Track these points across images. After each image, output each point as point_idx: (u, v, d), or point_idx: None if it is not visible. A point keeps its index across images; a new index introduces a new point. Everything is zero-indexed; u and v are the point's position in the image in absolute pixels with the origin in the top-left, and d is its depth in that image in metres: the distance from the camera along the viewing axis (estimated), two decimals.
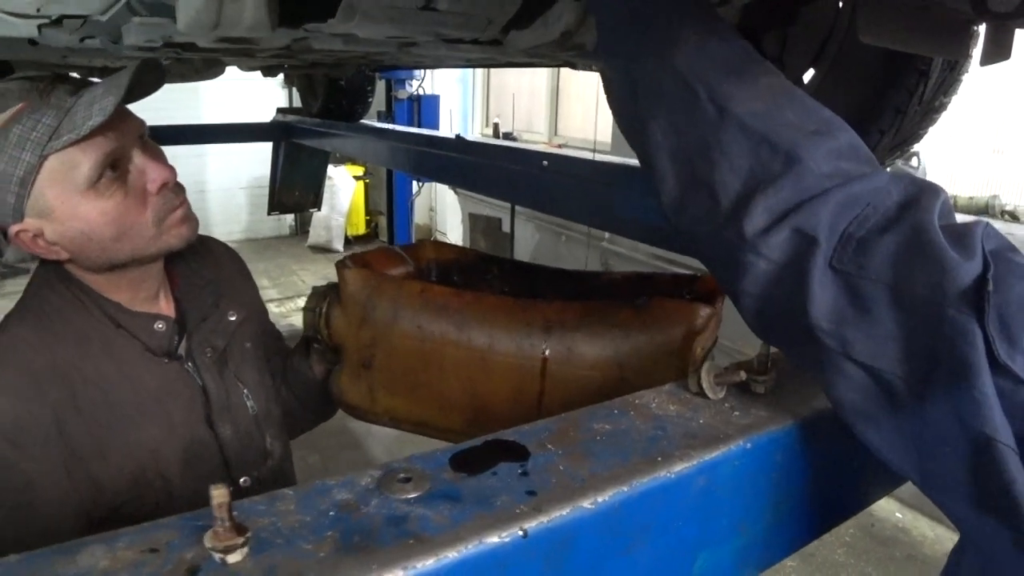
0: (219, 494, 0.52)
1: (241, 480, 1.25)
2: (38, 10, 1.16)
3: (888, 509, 4.25)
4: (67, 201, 1.06)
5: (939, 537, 4.06)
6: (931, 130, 1.94)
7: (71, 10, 1.15)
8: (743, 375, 0.80)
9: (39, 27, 1.23)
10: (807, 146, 0.73)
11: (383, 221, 9.20)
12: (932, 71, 1.75)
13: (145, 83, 1.08)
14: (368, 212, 10.12)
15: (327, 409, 1.55)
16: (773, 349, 0.83)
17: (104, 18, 1.16)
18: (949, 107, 1.89)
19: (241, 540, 0.53)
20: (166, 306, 1.25)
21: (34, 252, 1.11)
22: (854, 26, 1.66)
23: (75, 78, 1.10)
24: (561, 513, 0.57)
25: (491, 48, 1.58)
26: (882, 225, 0.68)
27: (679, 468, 0.65)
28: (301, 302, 7.69)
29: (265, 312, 1.51)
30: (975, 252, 0.62)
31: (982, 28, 1.32)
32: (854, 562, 3.91)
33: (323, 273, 8.84)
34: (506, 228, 7.26)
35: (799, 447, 0.78)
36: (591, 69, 2.76)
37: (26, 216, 1.06)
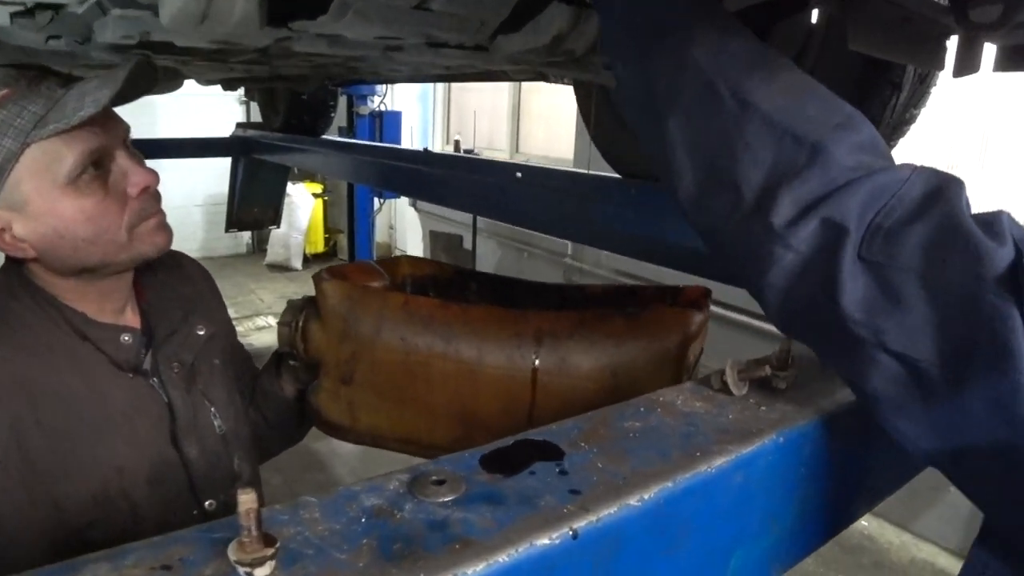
0: (247, 499, 0.47)
1: (207, 503, 1.20)
2: None
3: None
4: (45, 194, 1.01)
5: (904, 544, 4.11)
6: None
7: None
8: (768, 370, 0.79)
9: (11, 15, 1.18)
10: (832, 138, 0.72)
11: (343, 239, 9.10)
12: (904, 84, 1.78)
13: (137, 85, 1.04)
14: (327, 230, 10.01)
15: (297, 432, 1.51)
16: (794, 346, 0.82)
17: (80, 10, 1.11)
18: (917, 120, 1.93)
19: (270, 552, 0.48)
20: (132, 319, 1.20)
21: None
22: (831, 38, 1.69)
23: (64, 73, 1.06)
24: (609, 512, 0.54)
25: (476, 54, 1.56)
26: (910, 215, 0.67)
27: (719, 463, 0.63)
28: (260, 321, 7.60)
29: (234, 331, 1.47)
30: (1006, 238, 0.62)
31: (954, 43, 1.36)
32: (823, 571, 3.93)
33: (281, 292, 8.69)
34: (468, 245, 7.23)
35: (824, 442, 0.77)
36: (562, 82, 2.76)
37: None
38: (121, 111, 1.14)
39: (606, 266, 5.72)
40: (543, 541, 0.50)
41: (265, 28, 1.14)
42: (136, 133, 1.15)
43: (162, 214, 1.14)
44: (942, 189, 0.69)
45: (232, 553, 0.49)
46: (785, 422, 0.72)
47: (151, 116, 8.29)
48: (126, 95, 1.03)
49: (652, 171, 2.29)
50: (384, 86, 6.19)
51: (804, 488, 0.76)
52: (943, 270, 0.63)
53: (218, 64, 2.05)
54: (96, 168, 1.04)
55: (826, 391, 0.81)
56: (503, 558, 0.48)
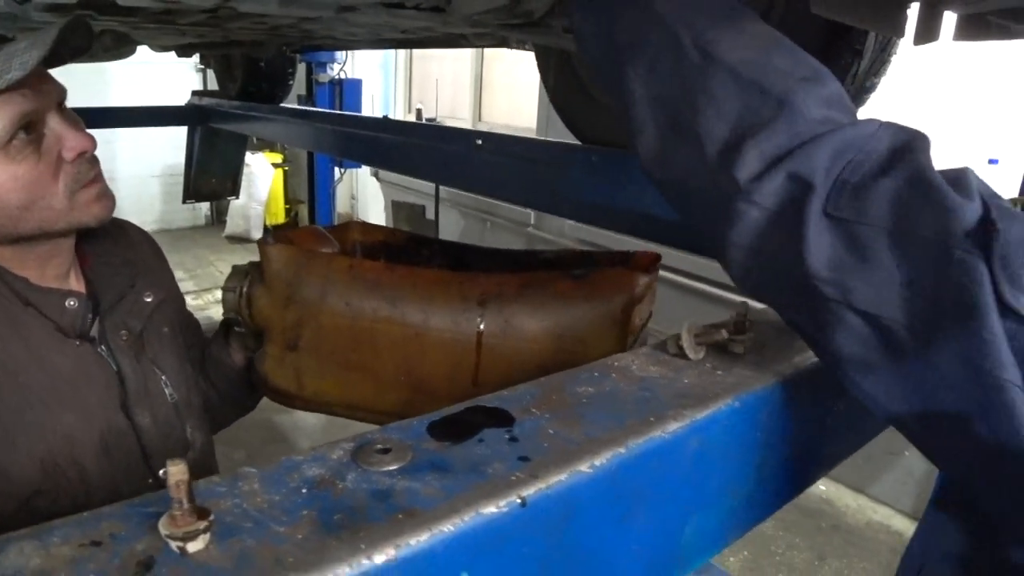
0: (177, 470, 0.45)
1: (161, 472, 1.16)
2: None
3: None
4: None
5: (861, 507, 4.22)
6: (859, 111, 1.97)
7: None
8: (725, 334, 0.78)
9: None
10: (799, 92, 0.71)
11: (303, 210, 8.97)
12: (865, 51, 1.77)
13: (72, 46, 1.00)
14: (288, 200, 9.85)
15: (248, 402, 1.49)
16: (754, 307, 0.81)
17: None
18: (878, 88, 1.93)
19: (203, 525, 0.46)
20: (77, 285, 1.17)
21: None
22: (793, 3, 1.68)
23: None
24: (559, 478, 0.53)
25: (433, 15, 1.51)
26: (877, 170, 0.66)
27: (674, 428, 0.61)
28: (220, 294, 7.53)
29: (183, 300, 1.44)
30: (973, 194, 0.61)
31: (915, 11, 1.35)
32: (783, 534, 4.02)
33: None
34: (430, 215, 7.17)
35: (781, 406, 0.76)
36: (524, 47, 2.71)
37: None
38: (71, 79, 1.10)
39: (569, 236, 5.72)
40: (490, 509, 0.49)
41: None
42: (88, 101, 1.10)
43: (102, 181, 1.10)
44: (909, 144, 0.67)
45: (163, 527, 0.46)
46: (742, 386, 0.71)
47: (103, 84, 8.05)
48: (60, 56, 0.99)
49: (613, 138, 2.26)
50: (344, 53, 6.06)
51: (762, 453, 0.76)
52: (911, 226, 0.62)
53: (169, 28, 1.97)
54: (28, 133, 1.00)
55: (784, 355, 0.80)
56: (448, 527, 0.46)
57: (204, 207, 9.97)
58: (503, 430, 0.59)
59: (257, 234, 9.28)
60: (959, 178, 0.63)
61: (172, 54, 3.37)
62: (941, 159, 0.67)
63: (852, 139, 0.68)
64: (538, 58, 2.63)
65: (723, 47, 0.73)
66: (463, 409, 0.61)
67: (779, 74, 0.72)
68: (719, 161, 0.71)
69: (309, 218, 6.55)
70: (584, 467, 0.54)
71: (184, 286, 7.11)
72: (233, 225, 9.38)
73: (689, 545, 0.70)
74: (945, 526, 0.72)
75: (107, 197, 1.10)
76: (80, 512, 0.50)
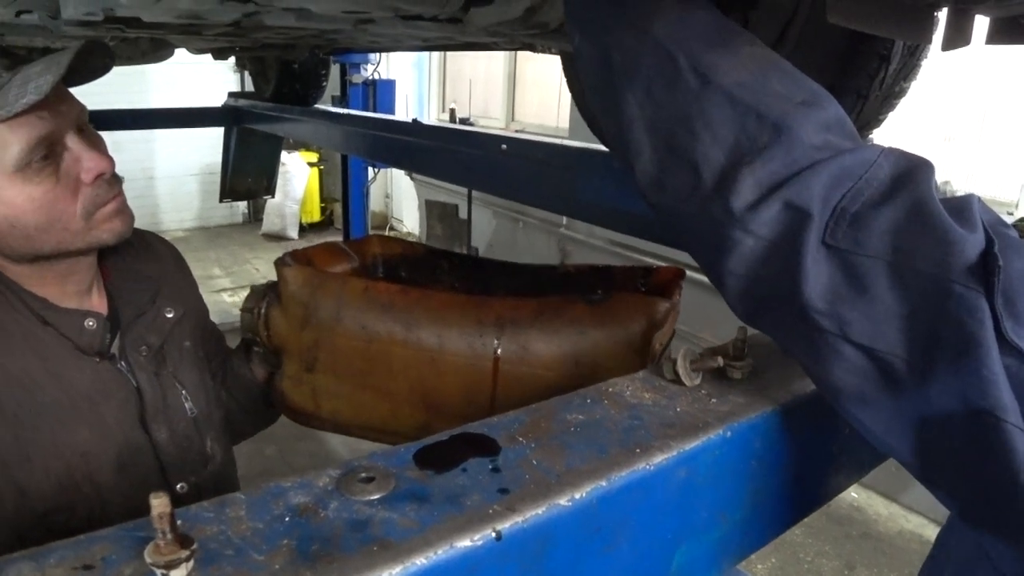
0: (159, 503, 0.47)
1: (178, 486, 1.19)
2: None
3: None
4: None
5: (892, 515, 4.14)
6: (889, 116, 1.94)
7: None
8: (720, 361, 0.77)
9: None
10: (796, 117, 0.69)
11: (338, 208, 9.05)
12: (893, 56, 1.74)
13: (92, 67, 1.02)
14: (323, 199, 9.96)
15: (269, 414, 1.49)
16: (750, 333, 0.80)
17: None
18: (908, 93, 1.89)
19: (185, 554, 0.48)
20: (98, 302, 1.18)
21: None
22: (817, 9, 1.65)
23: (14, 55, 1.04)
24: (536, 512, 0.53)
25: (450, 26, 1.53)
26: (877, 199, 0.64)
27: (659, 460, 0.62)
28: None
29: (206, 312, 1.44)
30: (976, 225, 0.60)
31: (943, 15, 1.32)
32: (812, 541, 3.97)
33: None
34: (463, 215, 7.19)
35: (777, 433, 0.76)
36: (551, 52, 2.71)
37: None
38: (112, 81, 1.10)
39: (600, 236, 5.69)
40: (464, 543, 0.50)
41: (228, 3, 1.11)
42: (126, 102, 1.12)
43: (120, 198, 1.11)
44: (911, 172, 0.66)
45: (148, 555, 0.48)
46: (735, 415, 0.71)
47: (143, 85, 8.21)
48: (81, 75, 1.01)
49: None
50: (377, 54, 6.11)
51: (757, 481, 0.75)
52: (911, 258, 0.61)
53: (195, 37, 2.02)
54: (46, 154, 1.01)
55: (783, 381, 0.80)
56: (420, 560, 0.48)
57: (242, 205, 10.11)
58: (487, 459, 0.60)
59: (293, 232, 9.41)
60: (963, 208, 0.62)
61: (209, 55, 3.44)
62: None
63: (851, 166, 0.66)
64: (564, 62, 2.63)
65: (719, 71, 0.71)
66: (449, 437, 0.62)
67: (776, 98, 0.71)
68: (715, 188, 0.70)
69: (343, 217, 6.62)
70: (563, 500, 0.55)
71: (220, 283, 7.24)
72: (269, 223, 9.52)
73: (680, 572, 0.70)
74: (947, 559, 0.71)
75: (124, 213, 1.11)
76: (96, 528, 0.53)
